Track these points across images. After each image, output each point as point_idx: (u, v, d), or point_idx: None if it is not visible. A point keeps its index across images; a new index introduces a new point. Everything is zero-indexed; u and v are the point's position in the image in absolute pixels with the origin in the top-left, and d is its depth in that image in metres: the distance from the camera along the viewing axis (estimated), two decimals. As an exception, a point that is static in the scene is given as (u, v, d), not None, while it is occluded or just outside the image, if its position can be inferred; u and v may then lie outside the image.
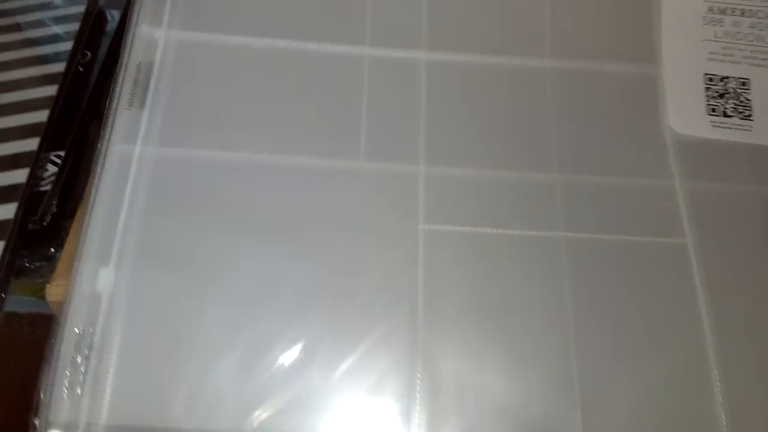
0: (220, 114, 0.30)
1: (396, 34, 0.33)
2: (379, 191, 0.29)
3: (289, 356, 0.25)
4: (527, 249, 0.28)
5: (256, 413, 0.24)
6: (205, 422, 0.23)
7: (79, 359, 0.24)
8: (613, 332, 0.27)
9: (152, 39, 0.32)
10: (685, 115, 0.32)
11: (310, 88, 0.31)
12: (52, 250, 0.29)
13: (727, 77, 0.33)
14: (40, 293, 0.33)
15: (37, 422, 0.23)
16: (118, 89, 0.30)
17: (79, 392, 0.23)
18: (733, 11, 0.34)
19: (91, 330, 0.25)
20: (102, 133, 0.29)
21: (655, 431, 0.25)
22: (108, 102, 0.30)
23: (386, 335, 0.26)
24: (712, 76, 0.33)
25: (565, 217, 0.29)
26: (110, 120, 0.30)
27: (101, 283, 0.26)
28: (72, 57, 0.36)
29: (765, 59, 0.33)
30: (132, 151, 0.29)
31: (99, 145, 0.29)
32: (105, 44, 0.39)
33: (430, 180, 0.29)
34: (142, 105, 0.30)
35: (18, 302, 0.33)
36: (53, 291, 0.27)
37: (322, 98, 0.31)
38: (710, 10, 0.35)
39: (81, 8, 0.41)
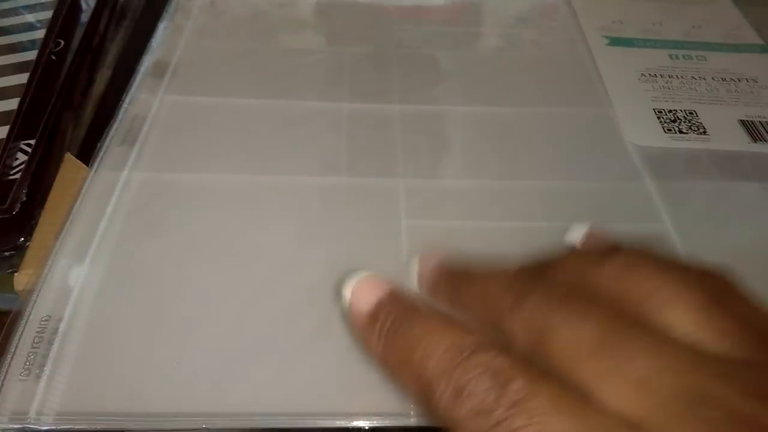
0: (206, 153, 0.31)
1: (370, 94, 0.35)
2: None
3: (264, 338, 0.24)
4: (511, 238, 0.28)
5: (228, 397, 0.23)
6: (171, 407, 0.22)
7: (39, 348, 0.23)
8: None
9: (148, 101, 0.34)
10: (644, 134, 0.34)
11: (292, 134, 0.32)
12: (22, 239, 0.28)
13: (675, 110, 0.35)
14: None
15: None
16: (110, 136, 0.31)
17: (35, 380, 0.22)
18: (662, 75, 0.38)
19: (58, 318, 0.24)
20: (90, 164, 0.30)
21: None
22: (99, 144, 0.31)
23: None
24: (660, 110, 0.35)
25: (543, 209, 0.29)
26: (101, 154, 0.30)
27: (73, 278, 0.25)
28: (45, 44, 0.35)
29: (704, 99, 0.36)
30: (118, 176, 0.30)
31: (87, 174, 0.30)
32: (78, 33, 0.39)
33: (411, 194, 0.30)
34: (133, 144, 0.31)
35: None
36: (22, 279, 0.26)
37: (304, 141, 0.32)
38: (642, 74, 0.38)
39: (55, -4, 0.40)
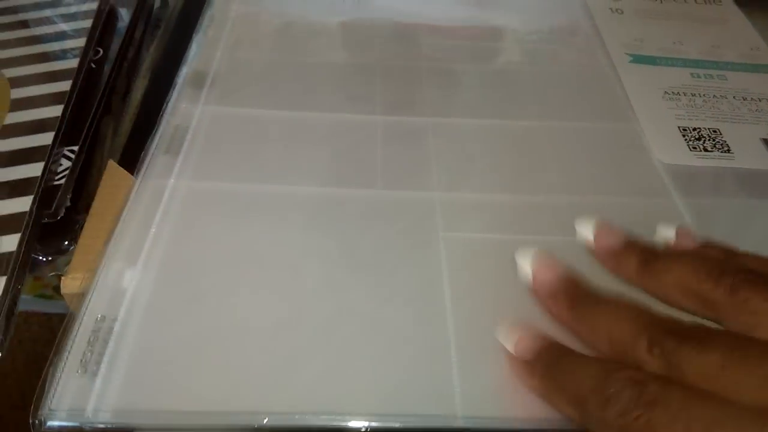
0: (247, 163, 0.32)
1: (403, 107, 0.36)
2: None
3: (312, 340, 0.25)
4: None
5: (279, 395, 0.23)
6: (223, 405, 0.22)
7: (95, 346, 0.23)
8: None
9: (189, 111, 0.34)
10: (671, 151, 0.34)
11: (330, 146, 0.33)
12: (66, 243, 0.29)
13: (699, 128, 0.36)
14: (37, 291, 0.33)
15: (41, 411, 0.21)
16: (154, 145, 0.32)
17: (92, 378, 0.23)
18: (685, 93, 0.39)
19: (113, 318, 0.24)
20: (136, 172, 0.31)
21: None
22: (143, 153, 0.32)
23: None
24: (685, 128, 0.36)
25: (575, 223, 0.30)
26: (146, 163, 0.31)
27: (126, 280, 0.26)
28: (85, 53, 0.36)
29: (726, 118, 0.37)
30: (165, 184, 0.30)
31: (131, 181, 0.30)
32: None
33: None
34: (177, 153, 0.32)
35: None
36: (69, 283, 0.27)
37: (342, 153, 0.33)
38: (665, 92, 0.39)
39: (90, 6, 0.41)
